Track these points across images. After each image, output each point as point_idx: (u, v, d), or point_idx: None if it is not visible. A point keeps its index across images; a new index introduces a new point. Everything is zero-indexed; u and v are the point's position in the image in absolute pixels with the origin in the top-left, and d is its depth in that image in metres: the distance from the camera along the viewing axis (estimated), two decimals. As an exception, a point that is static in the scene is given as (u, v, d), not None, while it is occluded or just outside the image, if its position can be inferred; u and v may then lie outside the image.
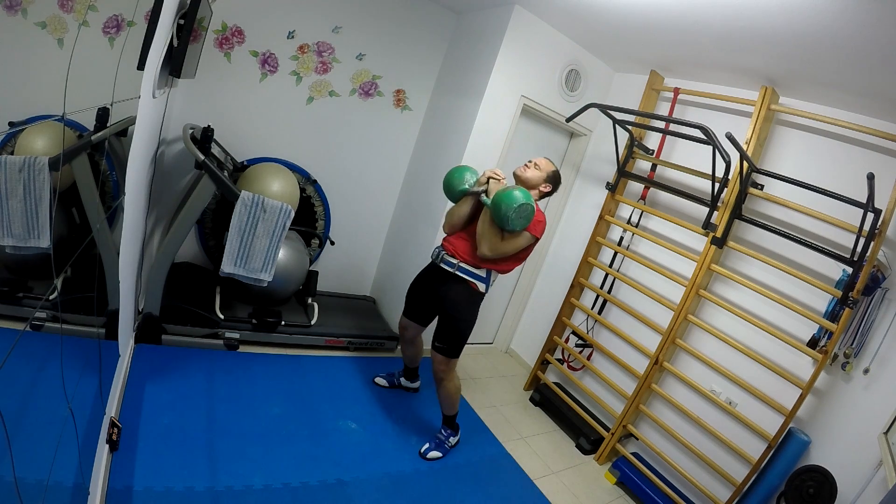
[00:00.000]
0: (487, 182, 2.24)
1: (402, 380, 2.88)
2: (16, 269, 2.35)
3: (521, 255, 2.30)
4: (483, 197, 2.20)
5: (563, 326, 3.36)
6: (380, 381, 2.86)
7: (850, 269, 2.14)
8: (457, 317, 2.32)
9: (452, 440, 2.50)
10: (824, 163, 2.40)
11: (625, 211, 3.22)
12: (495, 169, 2.28)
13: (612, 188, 3.15)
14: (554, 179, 2.34)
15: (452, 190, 2.35)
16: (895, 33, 1.63)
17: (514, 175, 2.36)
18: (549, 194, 2.37)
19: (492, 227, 2.16)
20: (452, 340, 2.34)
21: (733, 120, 2.70)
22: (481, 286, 2.31)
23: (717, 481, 2.50)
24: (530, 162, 2.34)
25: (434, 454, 2.41)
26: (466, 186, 2.30)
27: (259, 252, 2.39)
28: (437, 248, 2.42)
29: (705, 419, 2.57)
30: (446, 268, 2.32)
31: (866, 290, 2.10)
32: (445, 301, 2.34)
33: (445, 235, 2.43)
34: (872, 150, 2.25)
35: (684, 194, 2.78)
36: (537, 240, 2.24)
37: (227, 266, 2.37)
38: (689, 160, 2.83)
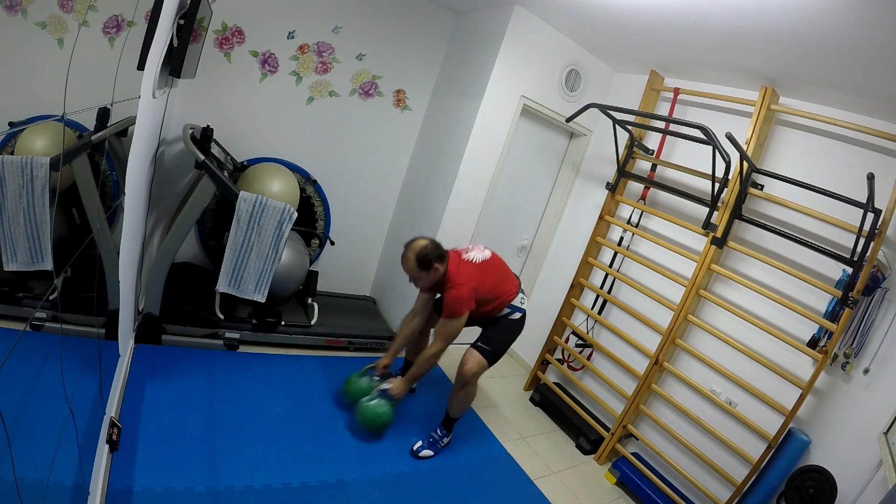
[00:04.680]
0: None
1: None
2: (16, 269, 2.35)
3: (482, 297, 2.33)
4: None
5: (563, 326, 3.36)
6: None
7: (850, 269, 2.13)
8: (505, 330, 2.45)
9: (445, 440, 2.50)
10: (824, 163, 2.40)
11: (625, 211, 3.22)
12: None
13: (612, 188, 3.15)
14: (424, 262, 2.21)
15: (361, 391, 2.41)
16: (895, 33, 1.63)
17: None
18: (440, 263, 2.25)
19: (437, 328, 2.34)
20: (496, 344, 2.40)
21: (733, 120, 2.70)
22: (515, 315, 2.46)
23: (717, 481, 2.50)
24: (410, 277, 2.31)
25: (426, 452, 2.40)
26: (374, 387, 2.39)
27: (260, 254, 2.39)
28: None
29: (705, 419, 2.57)
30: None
31: (866, 290, 2.10)
32: (492, 322, 2.46)
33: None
34: (872, 150, 2.25)
35: (684, 194, 2.78)
36: (466, 306, 2.25)
37: (227, 265, 2.37)
38: (689, 160, 2.83)
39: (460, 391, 2.39)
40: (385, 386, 2.34)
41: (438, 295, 2.52)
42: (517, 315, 2.47)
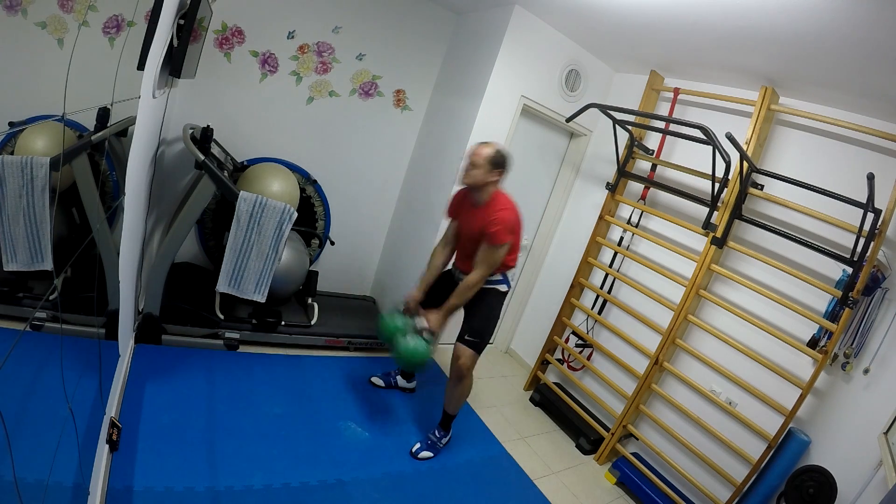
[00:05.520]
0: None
1: (399, 379, 2.88)
2: (16, 269, 2.35)
3: (511, 250, 2.31)
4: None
5: (563, 326, 3.36)
6: (376, 380, 2.86)
7: (850, 269, 2.14)
8: (484, 313, 2.37)
9: (444, 440, 2.50)
10: (824, 163, 2.40)
11: (625, 211, 3.22)
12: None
13: (612, 188, 3.15)
14: (497, 162, 2.21)
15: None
16: (895, 33, 1.63)
17: (464, 184, 2.29)
18: (501, 174, 2.25)
19: (479, 256, 2.25)
20: (480, 334, 2.35)
21: (733, 120, 2.70)
22: (502, 287, 2.40)
23: (717, 481, 2.50)
24: (466, 163, 2.22)
25: (425, 454, 2.40)
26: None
27: (260, 254, 2.39)
28: (453, 266, 2.54)
29: (705, 419, 2.57)
30: None
31: (866, 290, 2.10)
32: (473, 302, 2.37)
33: (456, 254, 2.53)
34: (872, 150, 2.25)
35: (684, 194, 2.78)
36: (514, 240, 2.23)
37: (227, 265, 2.37)
38: (689, 160, 2.83)
39: (457, 385, 2.39)
40: (422, 324, 2.30)
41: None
42: (503, 288, 2.40)
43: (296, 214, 2.40)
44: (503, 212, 2.21)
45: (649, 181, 3.00)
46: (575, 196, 3.66)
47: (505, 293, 2.42)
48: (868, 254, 2.05)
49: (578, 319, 3.34)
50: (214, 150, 2.66)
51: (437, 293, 2.52)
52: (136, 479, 1.72)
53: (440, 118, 3.37)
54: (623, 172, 3.10)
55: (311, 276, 3.24)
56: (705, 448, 2.55)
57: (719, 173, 2.44)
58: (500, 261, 2.25)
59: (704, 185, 2.68)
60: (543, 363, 3.44)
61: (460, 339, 2.36)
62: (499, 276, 2.38)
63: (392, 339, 2.31)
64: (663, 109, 3.08)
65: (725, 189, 2.53)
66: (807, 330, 2.32)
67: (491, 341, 3.98)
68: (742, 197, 2.50)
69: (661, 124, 2.89)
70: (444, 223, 3.10)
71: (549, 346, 3.41)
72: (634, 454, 2.81)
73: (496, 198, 2.26)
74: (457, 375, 2.36)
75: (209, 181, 2.29)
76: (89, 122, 2.29)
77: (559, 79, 3.17)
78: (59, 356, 1.95)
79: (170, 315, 2.54)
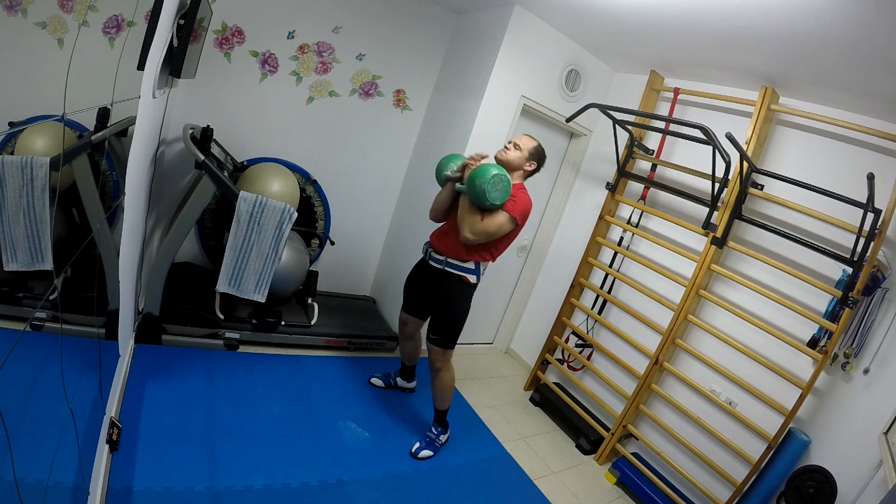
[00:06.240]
0: (463, 169, 2.19)
1: (399, 380, 2.88)
2: (16, 269, 2.35)
3: (503, 240, 2.26)
4: (458, 185, 2.19)
5: (563, 326, 3.36)
6: (376, 381, 2.86)
7: (850, 269, 2.14)
8: (450, 308, 2.35)
9: (443, 438, 2.50)
10: (824, 163, 2.40)
11: (625, 211, 3.22)
12: (474, 154, 2.20)
13: (612, 188, 3.15)
14: (537, 156, 2.29)
15: (439, 176, 2.35)
16: (895, 33, 1.63)
17: (496, 159, 2.29)
18: (533, 172, 2.32)
19: (470, 210, 2.13)
20: (447, 332, 2.35)
21: (733, 120, 2.70)
22: (472, 278, 2.31)
23: (717, 481, 2.50)
24: (510, 143, 2.29)
25: (425, 453, 2.40)
26: (448, 173, 2.27)
27: (260, 254, 2.39)
28: (426, 243, 2.46)
29: (705, 419, 2.57)
30: (435, 265, 2.34)
31: (866, 290, 2.10)
32: (438, 295, 2.37)
33: (433, 231, 2.45)
34: (872, 150, 2.25)
35: (684, 194, 2.78)
36: (517, 223, 2.18)
37: (227, 265, 2.37)
38: (689, 160, 2.83)
39: (435, 380, 2.42)
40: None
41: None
42: (473, 279, 2.30)
43: (296, 214, 2.40)
44: (523, 195, 2.21)
45: (649, 181, 3.00)
46: (575, 196, 3.66)
47: (474, 286, 2.34)
48: (868, 254, 2.05)
49: (578, 319, 3.34)
50: (214, 150, 2.66)
51: (417, 294, 2.51)
52: (136, 479, 1.72)
53: (440, 118, 3.36)
54: (623, 172, 3.10)
55: (311, 276, 3.24)
56: (705, 448, 2.55)
57: (719, 173, 2.44)
58: (494, 231, 2.13)
59: (704, 185, 2.68)
60: (543, 363, 3.44)
61: (427, 336, 2.40)
62: (471, 265, 2.28)
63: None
64: (663, 109, 3.08)
65: (725, 189, 2.53)
66: (807, 330, 2.32)
67: (492, 341, 4.00)
68: (742, 197, 2.50)
69: (661, 124, 2.89)
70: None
71: (549, 346, 3.41)
72: (634, 454, 2.81)
73: (520, 186, 2.26)
74: (432, 370, 2.41)
75: (209, 181, 2.29)
76: (89, 122, 2.29)
77: (559, 79, 3.17)
78: (59, 356, 1.95)
79: (170, 315, 2.54)
